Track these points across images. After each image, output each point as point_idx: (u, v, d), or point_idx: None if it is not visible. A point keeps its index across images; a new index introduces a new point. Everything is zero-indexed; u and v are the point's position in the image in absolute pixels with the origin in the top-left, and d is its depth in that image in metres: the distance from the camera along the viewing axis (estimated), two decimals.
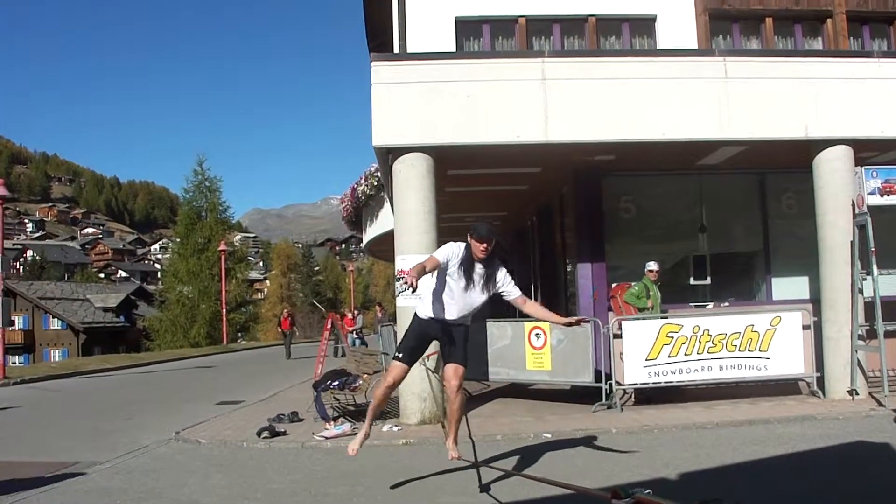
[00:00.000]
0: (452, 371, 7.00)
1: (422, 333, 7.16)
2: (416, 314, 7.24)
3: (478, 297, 6.94)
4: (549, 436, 9.55)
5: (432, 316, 7.04)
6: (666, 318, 11.76)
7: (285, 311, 36.58)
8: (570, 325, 7.67)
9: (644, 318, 11.78)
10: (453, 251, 6.90)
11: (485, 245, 6.74)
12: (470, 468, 7.14)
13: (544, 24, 13.73)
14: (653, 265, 12.58)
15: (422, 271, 6.56)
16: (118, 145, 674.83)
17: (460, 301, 6.94)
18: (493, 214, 20.61)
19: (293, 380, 19.39)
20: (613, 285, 13.44)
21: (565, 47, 13.28)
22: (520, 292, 7.06)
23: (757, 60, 11.91)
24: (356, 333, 27.98)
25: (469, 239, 6.85)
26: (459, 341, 7.03)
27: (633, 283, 12.69)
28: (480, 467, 7.02)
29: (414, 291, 6.90)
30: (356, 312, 30.49)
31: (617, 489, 1.91)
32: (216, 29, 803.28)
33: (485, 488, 6.86)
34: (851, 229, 11.45)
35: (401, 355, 7.06)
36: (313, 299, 73.97)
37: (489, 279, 6.88)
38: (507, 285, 6.97)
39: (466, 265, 6.84)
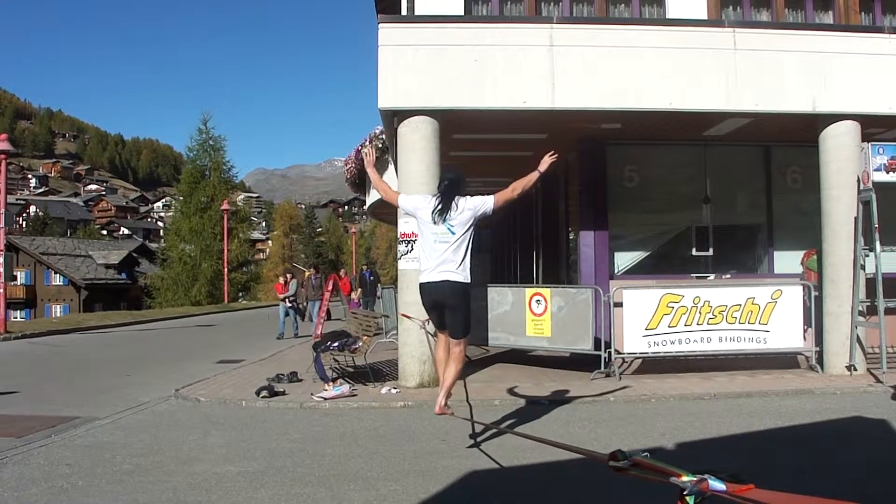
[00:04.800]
0: None
1: None
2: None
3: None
4: (546, 402, 9.59)
5: None
6: (667, 287, 11.76)
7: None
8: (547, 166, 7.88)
9: (645, 288, 11.77)
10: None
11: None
12: (471, 440, 7.19)
13: None
14: None
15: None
16: (123, 102, 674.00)
17: None
18: (497, 180, 20.41)
19: (293, 340, 19.46)
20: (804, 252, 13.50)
21: (574, 14, 13.13)
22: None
23: (766, 32, 11.80)
24: (288, 301, 22.18)
25: None
26: None
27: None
28: (475, 426, 7.10)
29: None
30: (289, 277, 23.30)
31: (615, 452, 1.91)
32: None
33: (476, 442, 7.08)
34: (856, 205, 11.41)
35: None
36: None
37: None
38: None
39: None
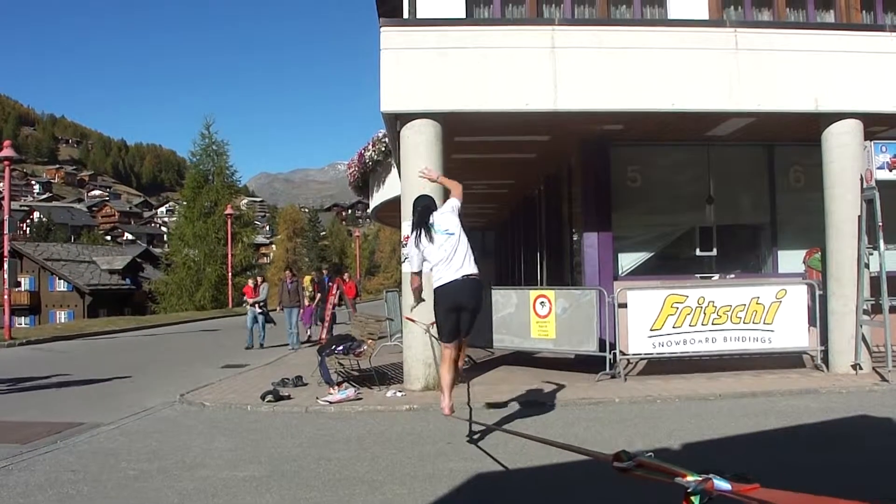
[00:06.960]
0: None
1: None
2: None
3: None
4: (551, 403, 9.58)
5: None
6: (671, 288, 11.74)
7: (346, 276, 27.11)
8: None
9: (649, 289, 11.76)
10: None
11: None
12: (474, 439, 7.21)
13: None
14: None
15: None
16: (126, 108, 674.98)
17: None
18: (500, 182, 20.53)
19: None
20: (806, 251, 13.50)
21: (575, 16, 13.13)
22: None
23: (768, 32, 11.80)
24: (259, 307, 20.55)
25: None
26: None
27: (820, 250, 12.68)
28: (477, 427, 7.19)
29: None
30: (260, 280, 21.71)
31: (619, 452, 1.91)
32: None
33: (473, 439, 7.30)
34: (859, 203, 11.40)
35: None
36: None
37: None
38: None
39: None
